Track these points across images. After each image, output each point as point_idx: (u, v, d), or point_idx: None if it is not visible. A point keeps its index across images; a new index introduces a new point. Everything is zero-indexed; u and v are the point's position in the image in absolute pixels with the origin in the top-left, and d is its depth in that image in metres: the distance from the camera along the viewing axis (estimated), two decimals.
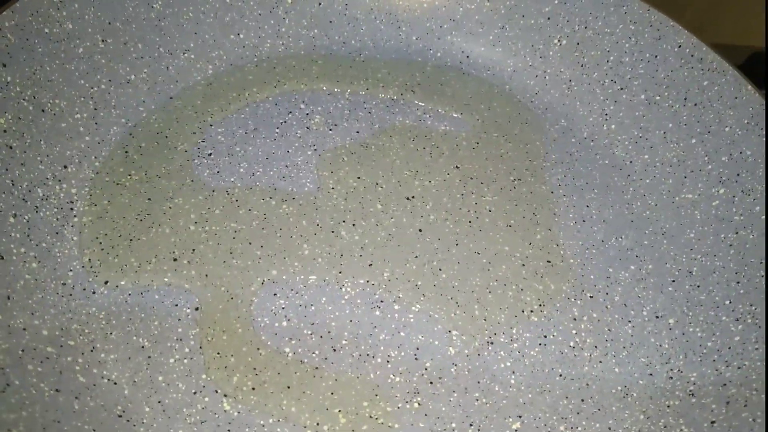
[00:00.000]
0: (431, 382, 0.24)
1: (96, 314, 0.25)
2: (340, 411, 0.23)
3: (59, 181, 0.27)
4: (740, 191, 0.29)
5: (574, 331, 0.27)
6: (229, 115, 0.33)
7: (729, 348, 0.26)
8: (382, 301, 0.26)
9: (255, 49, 0.36)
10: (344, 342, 0.25)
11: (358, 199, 0.30)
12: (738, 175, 0.29)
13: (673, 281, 0.29)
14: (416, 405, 0.24)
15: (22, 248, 0.25)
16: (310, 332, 0.25)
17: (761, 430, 0.22)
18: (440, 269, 0.28)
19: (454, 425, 0.23)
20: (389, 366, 0.25)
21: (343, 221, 0.29)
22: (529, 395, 0.25)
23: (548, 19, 0.37)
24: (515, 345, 0.26)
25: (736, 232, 0.28)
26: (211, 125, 0.32)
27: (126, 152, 0.30)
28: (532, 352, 0.26)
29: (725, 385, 0.25)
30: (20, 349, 0.22)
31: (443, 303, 0.27)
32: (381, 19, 0.38)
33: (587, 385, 0.25)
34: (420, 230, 0.29)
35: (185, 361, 0.24)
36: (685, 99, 0.32)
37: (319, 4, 0.37)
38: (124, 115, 0.31)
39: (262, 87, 0.34)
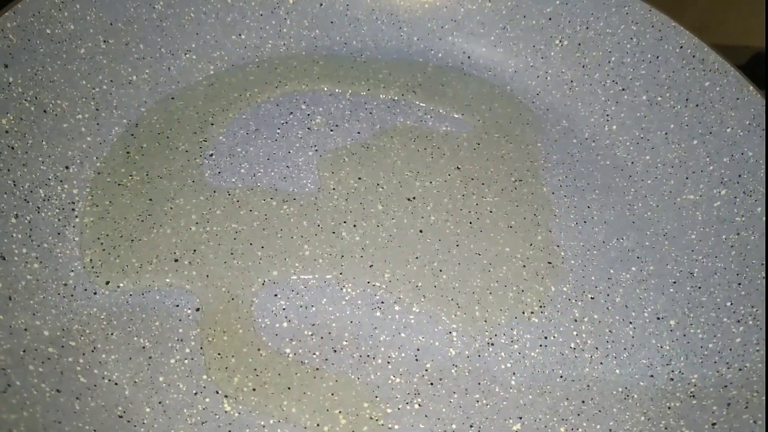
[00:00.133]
0: (431, 383, 0.24)
1: (97, 315, 0.25)
2: (340, 412, 0.23)
3: (61, 181, 0.27)
4: (742, 192, 0.29)
5: (574, 333, 0.27)
6: (230, 115, 0.33)
7: (730, 349, 0.26)
8: (382, 302, 0.26)
9: (256, 50, 0.36)
10: (345, 343, 0.25)
11: (359, 200, 0.30)
12: (739, 176, 0.29)
13: (675, 282, 0.29)
14: (416, 406, 0.24)
15: (24, 249, 0.25)
16: (310, 333, 0.25)
17: (762, 431, 0.22)
18: (441, 270, 0.28)
19: (454, 426, 0.23)
20: (390, 367, 0.25)
21: (344, 222, 0.29)
22: (530, 396, 0.25)
23: (549, 19, 0.37)
24: (516, 346, 0.26)
25: (738, 234, 0.28)
26: (212, 125, 0.32)
27: (127, 153, 0.30)
28: (532, 353, 0.26)
29: (726, 386, 0.25)
30: (21, 349, 0.22)
31: (444, 304, 0.27)
32: (382, 19, 0.38)
33: (588, 386, 0.25)
34: (421, 231, 0.29)
35: (186, 361, 0.24)
36: (686, 100, 0.32)
37: (321, 4, 0.37)
38: (125, 116, 0.31)
39: (263, 87, 0.34)
